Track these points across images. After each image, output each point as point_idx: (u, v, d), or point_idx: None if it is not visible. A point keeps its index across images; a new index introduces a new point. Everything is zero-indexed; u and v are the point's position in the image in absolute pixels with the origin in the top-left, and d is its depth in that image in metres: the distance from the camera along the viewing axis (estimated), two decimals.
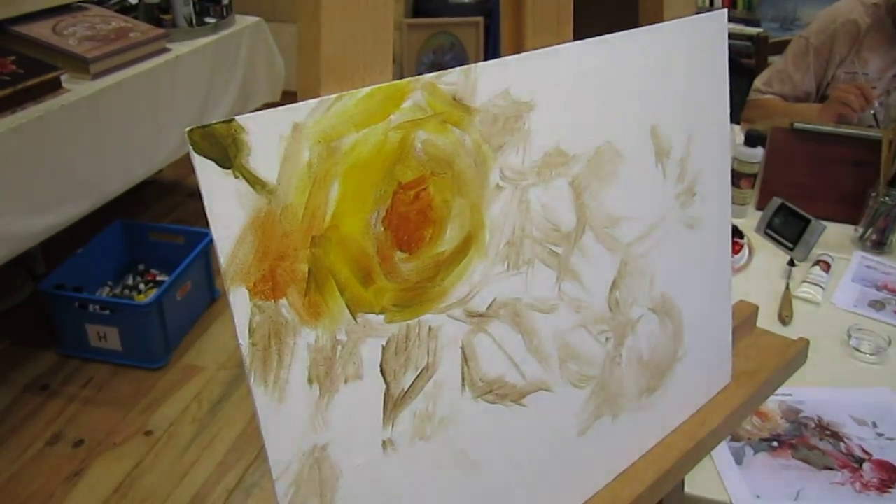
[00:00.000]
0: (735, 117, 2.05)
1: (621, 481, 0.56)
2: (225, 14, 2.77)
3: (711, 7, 3.83)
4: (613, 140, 0.49)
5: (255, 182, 0.33)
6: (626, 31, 0.49)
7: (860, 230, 1.49)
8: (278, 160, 0.33)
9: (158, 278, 2.54)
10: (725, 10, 0.56)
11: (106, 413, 2.12)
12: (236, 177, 0.32)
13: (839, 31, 1.87)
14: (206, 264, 2.56)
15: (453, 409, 0.43)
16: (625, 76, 0.49)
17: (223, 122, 0.32)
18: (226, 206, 0.32)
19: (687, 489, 0.89)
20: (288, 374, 0.36)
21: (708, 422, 0.62)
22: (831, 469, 0.96)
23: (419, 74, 0.38)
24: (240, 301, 0.33)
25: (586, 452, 0.53)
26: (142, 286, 2.52)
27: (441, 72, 0.39)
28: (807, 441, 1.00)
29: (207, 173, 0.31)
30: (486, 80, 0.41)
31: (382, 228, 0.38)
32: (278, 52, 3.12)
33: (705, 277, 0.61)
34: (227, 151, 0.32)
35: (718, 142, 0.58)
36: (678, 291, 0.58)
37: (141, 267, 2.59)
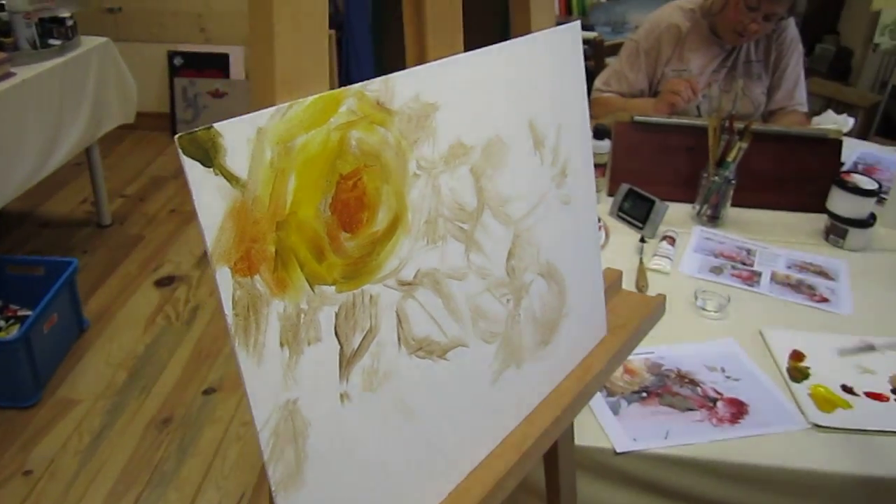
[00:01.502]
0: None
1: (528, 422, 0.66)
2: (70, 35, 2.68)
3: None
4: (500, 133, 0.59)
5: (230, 178, 0.40)
6: (503, 43, 0.58)
7: (697, 207, 1.69)
8: (247, 159, 0.40)
9: (20, 313, 2.42)
10: (578, 22, 0.67)
11: None
12: (216, 174, 0.39)
13: (664, 34, 2.09)
14: (72, 294, 2.47)
15: (393, 365, 0.52)
16: (505, 79, 0.59)
17: (204, 128, 0.38)
18: (210, 199, 0.39)
19: (576, 440, 1.00)
20: (264, 339, 0.43)
21: (592, 367, 0.73)
22: (692, 410, 1.11)
23: None
24: (224, 279, 0.40)
25: (499, 399, 0.62)
26: (1, 323, 2.40)
27: (367, 81, 0.47)
28: (670, 389, 1.15)
29: (194, 172, 0.38)
30: (401, 86, 0.49)
31: (329, 213, 0.45)
32: (129, 72, 3.04)
33: (580, 246, 0.72)
34: (208, 153, 0.38)
35: (581, 131, 0.70)
36: (560, 258, 0.68)
37: None
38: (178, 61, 4.04)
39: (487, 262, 0.59)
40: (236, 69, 4.04)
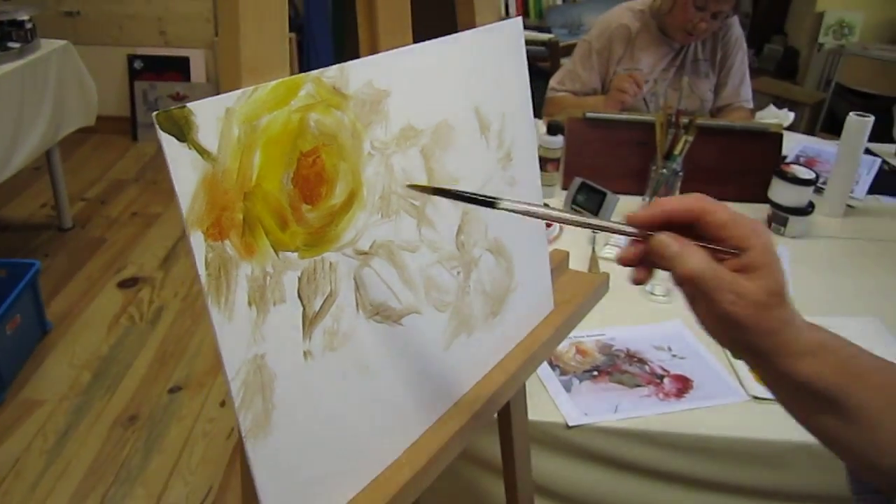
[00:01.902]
0: (537, 113, 2.33)
1: (479, 386, 0.71)
2: (29, 38, 2.68)
3: (507, 15, 4.15)
4: (448, 118, 0.65)
5: (202, 152, 0.45)
6: (451, 35, 0.64)
7: (647, 199, 1.77)
8: (217, 136, 0.45)
9: None
10: (520, 18, 0.73)
11: None
12: (189, 148, 0.44)
13: (614, 35, 2.18)
14: (34, 296, 2.47)
15: (351, 327, 0.57)
16: (452, 69, 0.65)
17: (178, 107, 0.43)
18: (184, 170, 0.44)
19: (530, 416, 1.06)
20: (234, 297, 0.47)
21: (539, 338, 0.79)
22: (640, 386, 1.18)
23: None
24: (197, 242, 0.45)
25: (451, 363, 0.68)
26: None
27: (324, 68, 0.52)
28: (619, 367, 1.22)
29: (170, 146, 0.43)
30: (355, 74, 0.55)
31: (292, 186, 0.51)
32: (89, 75, 3.04)
33: (526, 226, 0.78)
34: (182, 129, 0.43)
35: (525, 119, 0.76)
36: (507, 236, 0.74)
37: None
38: (138, 65, 4.04)
39: (438, 236, 0.64)
40: (197, 72, 4.05)
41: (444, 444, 0.64)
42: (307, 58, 4.21)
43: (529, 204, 0.55)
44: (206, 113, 0.44)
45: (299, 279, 0.52)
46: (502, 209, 0.54)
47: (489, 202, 0.54)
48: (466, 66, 0.66)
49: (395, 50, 0.58)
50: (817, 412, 0.53)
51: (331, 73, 0.53)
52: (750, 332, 0.51)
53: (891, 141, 2.42)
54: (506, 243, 0.74)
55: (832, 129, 3.90)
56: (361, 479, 0.59)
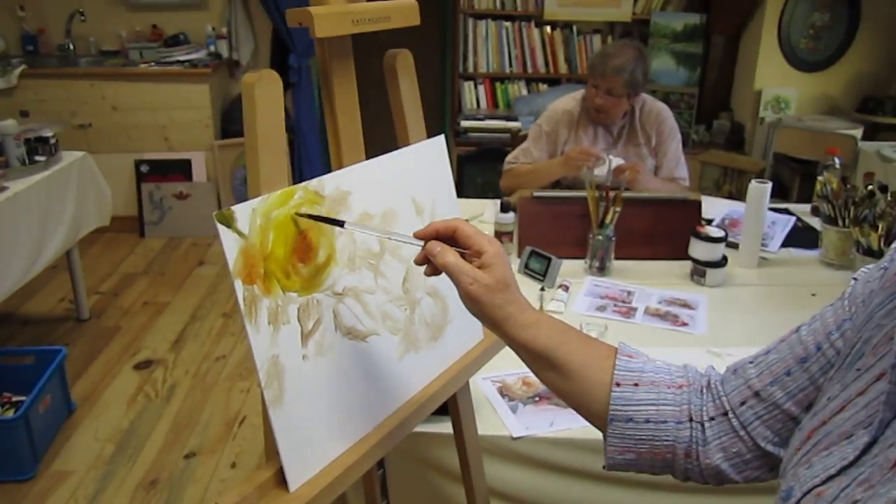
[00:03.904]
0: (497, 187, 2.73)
1: (425, 389, 1.03)
2: (53, 151, 3.05)
3: (478, 106, 4.58)
4: (392, 206, 0.98)
5: (239, 233, 0.78)
6: (392, 152, 0.98)
7: (588, 261, 2.10)
8: (248, 224, 0.78)
9: (14, 399, 2.68)
10: (443, 136, 1.08)
11: None
12: (232, 231, 0.77)
13: (560, 119, 2.58)
14: (62, 379, 2.76)
15: (332, 342, 0.89)
16: (394, 173, 0.99)
17: (227, 209, 0.76)
18: (229, 243, 0.76)
19: (484, 432, 1.36)
20: (260, 319, 0.79)
21: (471, 356, 1.11)
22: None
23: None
24: (238, 286, 0.77)
25: (404, 371, 0.99)
26: None
27: (309, 181, 0.85)
28: None
29: (223, 231, 0.76)
30: (329, 182, 0.88)
31: (292, 253, 0.83)
32: (104, 180, 3.40)
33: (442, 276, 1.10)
34: (229, 221, 0.76)
35: (450, 201, 1.09)
36: (440, 284, 1.07)
37: None
38: (144, 168, 4.43)
39: (389, 283, 0.97)
40: (198, 172, 4.44)
41: (399, 424, 0.95)
42: (298, 156, 4.62)
43: (363, 227, 0.87)
44: (242, 211, 0.78)
45: (298, 309, 0.84)
46: (347, 228, 0.86)
47: (339, 223, 0.86)
48: (404, 171, 1.01)
49: (353, 165, 0.92)
50: (542, 369, 0.84)
51: (313, 183, 0.86)
52: (484, 305, 0.81)
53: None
54: (440, 289, 1.07)
55: (778, 193, 4.30)
56: (345, 442, 0.90)
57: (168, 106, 4.33)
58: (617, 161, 2.40)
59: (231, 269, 0.77)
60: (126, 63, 4.42)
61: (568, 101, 2.66)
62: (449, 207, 1.09)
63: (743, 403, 0.78)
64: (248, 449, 2.63)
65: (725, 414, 0.80)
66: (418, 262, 0.85)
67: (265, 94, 0.80)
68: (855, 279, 0.76)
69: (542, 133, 2.64)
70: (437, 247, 0.82)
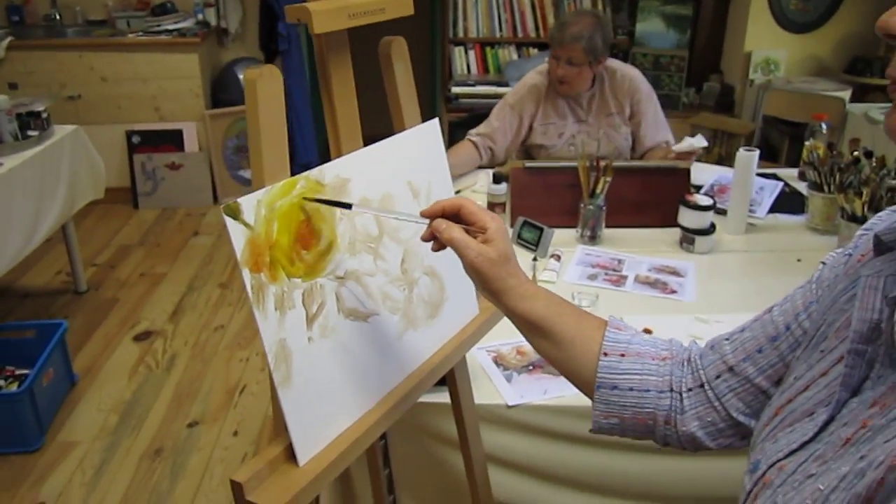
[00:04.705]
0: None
1: (424, 364, 1.07)
2: (45, 126, 3.06)
3: (469, 71, 4.57)
4: (389, 190, 1.02)
5: (246, 224, 0.81)
6: (390, 138, 1.02)
7: (579, 230, 2.14)
8: (254, 215, 0.82)
9: (17, 372, 2.73)
10: (436, 119, 1.11)
11: None
12: (239, 222, 0.81)
13: (526, 95, 2.60)
14: (63, 352, 2.80)
15: (336, 323, 0.93)
16: (390, 159, 1.02)
17: (233, 201, 0.80)
18: (236, 235, 0.80)
19: (480, 400, 1.41)
20: (267, 305, 0.84)
21: (467, 331, 1.15)
22: None
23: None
24: (246, 274, 0.81)
25: (405, 347, 1.04)
26: (1, 382, 2.70)
27: (310, 170, 0.89)
28: None
29: (230, 222, 0.79)
30: (329, 171, 0.92)
31: (295, 240, 0.87)
32: (96, 152, 3.41)
33: (452, 256, 1.14)
34: (235, 213, 0.80)
35: (445, 183, 1.13)
36: (438, 264, 1.11)
37: None
38: (135, 139, 4.42)
39: (388, 266, 1.01)
40: (190, 142, 4.44)
41: (401, 398, 1.00)
42: (290, 122, 4.62)
43: (370, 209, 0.92)
44: (248, 203, 0.81)
45: (303, 294, 0.88)
46: (355, 210, 0.92)
47: (346, 205, 0.90)
48: (399, 156, 1.04)
49: (352, 153, 0.96)
50: (537, 337, 0.90)
51: (314, 172, 0.90)
52: (487, 277, 0.87)
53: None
54: (437, 268, 1.11)
55: (767, 156, 4.34)
56: (350, 417, 0.95)
57: (158, 76, 4.32)
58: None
59: (239, 259, 0.80)
60: (114, 33, 4.39)
61: (534, 75, 2.66)
62: (445, 189, 1.12)
63: (718, 377, 0.84)
64: (249, 417, 2.70)
65: (702, 386, 0.85)
66: (425, 239, 0.89)
67: (266, 90, 0.83)
68: (823, 263, 0.81)
69: (506, 105, 2.64)
70: (443, 223, 0.88)
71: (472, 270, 0.88)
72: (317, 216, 0.90)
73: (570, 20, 2.47)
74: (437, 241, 0.89)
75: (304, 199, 0.88)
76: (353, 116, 0.97)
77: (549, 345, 0.90)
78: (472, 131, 2.66)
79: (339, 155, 0.97)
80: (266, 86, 0.83)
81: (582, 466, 1.50)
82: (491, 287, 0.88)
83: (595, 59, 2.48)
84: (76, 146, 3.25)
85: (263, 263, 0.83)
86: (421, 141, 1.08)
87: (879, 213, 0.77)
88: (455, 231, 0.87)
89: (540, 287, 0.92)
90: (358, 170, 0.96)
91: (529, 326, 0.90)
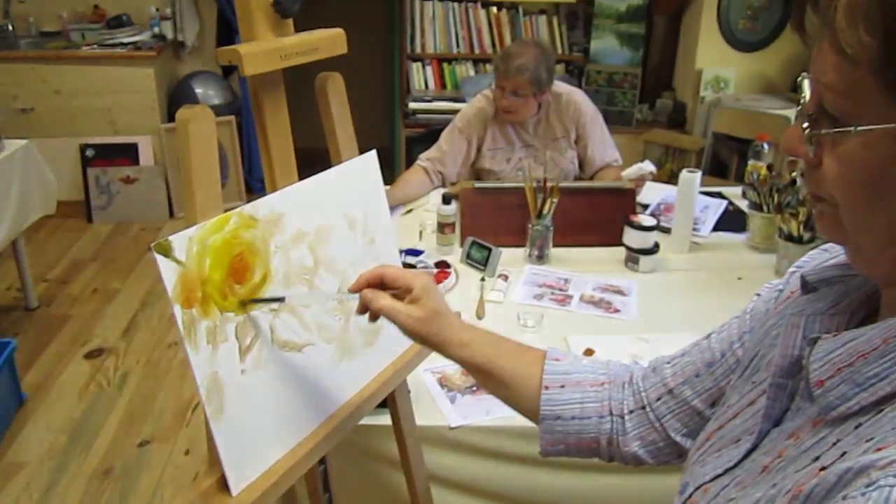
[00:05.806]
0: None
1: (361, 391, 1.10)
2: None
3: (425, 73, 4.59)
4: (325, 222, 1.04)
5: (177, 262, 0.83)
6: (326, 171, 1.04)
7: (527, 250, 2.19)
8: (185, 252, 0.84)
9: None
10: (374, 151, 1.14)
11: None
12: (171, 259, 0.82)
13: (473, 118, 2.64)
14: (11, 371, 2.76)
15: (270, 355, 0.95)
16: (326, 192, 1.05)
17: (164, 240, 0.81)
18: (167, 272, 0.82)
19: (420, 422, 1.43)
20: (199, 339, 0.85)
21: (405, 356, 1.18)
22: None
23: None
24: (177, 310, 0.83)
25: (341, 376, 1.06)
26: None
27: (245, 205, 0.91)
28: None
29: (161, 260, 0.81)
30: (262, 206, 0.94)
31: (228, 275, 0.89)
32: (48, 168, 3.37)
33: None
34: (166, 250, 0.82)
35: (383, 214, 1.16)
36: None
37: None
38: (89, 152, 4.37)
39: (324, 297, 1.04)
40: (145, 156, 4.40)
41: (337, 425, 1.02)
42: (247, 137, 4.61)
43: (303, 296, 0.95)
44: (179, 240, 0.83)
45: (236, 327, 0.90)
46: (289, 303, 0.96)
47: (279, 299, 0.94)
48: (335, 189, 1.07)
49: (286, 188, 0.98)
50: (479, 377, 0.95)
51: (247, 208, 0.92)
52: (421, 335, 0.92)
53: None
54: None
55: (718, 171, 4.45)
56: (284, 447, 0.97)
57: (112, 90, 4.28)
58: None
59: (170, 296, 0.82)
60: (68, 45, 4.34)
61: (482, 98, 2.68)
62: (382, 221, 1.15)
63: (658, 399, 0.90)
64: (202, 435, 2.68)
65: (644, 408, 0.91)
66: (359, 313, 0.94)
67: (198, 130, 0.85)
68: (758, 295, 0.86)
69: (455, 129, 2.67)
70: (369, 293, 0.92)
71: (406, 332, 0.92)
72: (249, 251, 0.92)
73: (515, 51, 2.49)
74: (372, 314, 0.93)
75: (247, 302, 0.92)
76: (287, 151, 1.00)
77: (493, 384, 0.95)
78: (423, 156, 2.68)
79: (275, 189, 0.99)
80: (198, 126, 0.85)
81: (525, 485, 1.53)
82: (428, 343, 0.93)
83: (539, 89, 2.51)
84: (27, 162, 3.21)
85: (195, 299, 0.85)
86: (357, 173, 1.11)
87: (811, 252, 0.82)
88: (382, 299, 0.91)
89: (477, 330, 0.96)
90: (293, 204, 0.98)
91: (471, 370, 0.96)
